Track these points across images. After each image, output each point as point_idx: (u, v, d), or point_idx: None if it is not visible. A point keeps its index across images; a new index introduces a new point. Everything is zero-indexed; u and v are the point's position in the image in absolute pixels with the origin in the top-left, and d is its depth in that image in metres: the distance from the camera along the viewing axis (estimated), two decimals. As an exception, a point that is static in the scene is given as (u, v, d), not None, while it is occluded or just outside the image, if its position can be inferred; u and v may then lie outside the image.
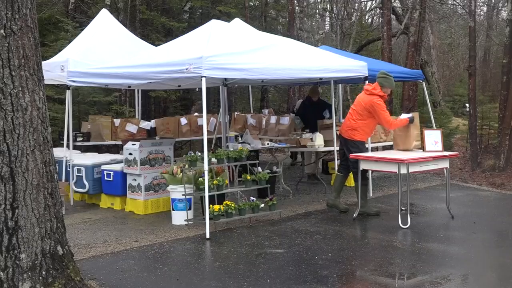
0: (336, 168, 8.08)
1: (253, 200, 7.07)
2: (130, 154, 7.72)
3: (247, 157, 7.37)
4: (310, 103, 10.40)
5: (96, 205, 8.27)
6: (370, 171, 8.11)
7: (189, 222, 6.92)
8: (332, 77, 8.31)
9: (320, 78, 8.37)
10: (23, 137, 3.99)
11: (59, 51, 9.96)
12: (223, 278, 4.98)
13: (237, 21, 8.77)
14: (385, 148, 10.33)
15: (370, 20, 25.41)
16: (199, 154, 7.13)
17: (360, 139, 7.35)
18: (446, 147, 8.96)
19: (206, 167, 6.48)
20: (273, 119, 10.82)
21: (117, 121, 10.34)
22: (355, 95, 18.49)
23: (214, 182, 6.85)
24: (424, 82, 10.95)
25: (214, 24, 7.82)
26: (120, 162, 8.08)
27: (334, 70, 8.02)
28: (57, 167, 6.34)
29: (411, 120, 7.25)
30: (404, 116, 7.47)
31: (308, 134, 9.34)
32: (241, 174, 7.47)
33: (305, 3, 22.88)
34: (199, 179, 6.88)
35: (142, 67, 7.24)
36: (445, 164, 7.21)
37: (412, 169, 6.71)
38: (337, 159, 8.70)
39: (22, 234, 3.95)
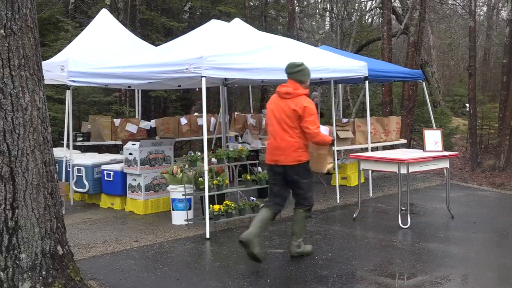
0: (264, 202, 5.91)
1: (253, 200, 7.07)
2: (130, 154, 7.73)
3: (247, 157, 7.37)
4: None
5: (96, 205, 8.27)
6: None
7: (189, 222, 6.92)
8: (332, 77, 8.31)
9: (320, 78, 8.36)
10: (23, 137, 3.99)
11: (59, 51, 9.96)
12: (223, 278, 4.98)
13: (237, 21, 8.77)
14: (385, 148, 10.33)
15: (370, 20, 25.41)
16: (199, 154, 7.13)
17: (307, 158, 5.55)
18: (446, 147, 8.96)
19: (206, 167, 6.48)
20: (273, 119, 10.79)
21: (117, 121, 10.34)
22: (355, 95, 18.58)
23: (214, 182, 6.85)
24: (424, 82, 10.96)
25: (214, 24, 7.82)
26: (120, 162, 8.08)
27: (334, 70, 8.03)
28: (57, 167, 6.35)
29: (333, 143, 5.87)
30: (323, 130, 6.15)
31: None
32: (241, 174, 7.47)
33: (305, 3, 22.88)
34: (199, 179, 6.88)
35: (142, 67, 7.24)
36: (445, 164, 7.21)
37: (412, 169, 6.71)
38: (337, 159, 8.71)
39: (22, 234, 3.95)
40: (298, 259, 5.49)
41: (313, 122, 5.41)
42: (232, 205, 6.76)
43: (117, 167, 7.97)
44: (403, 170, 6.61)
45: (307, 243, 5.85)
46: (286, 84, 5.59)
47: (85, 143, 10.01)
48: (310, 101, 5.54)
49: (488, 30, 23.76)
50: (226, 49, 7.05)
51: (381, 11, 15.19)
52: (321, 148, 5.67)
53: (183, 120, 11.20)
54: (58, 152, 7.28)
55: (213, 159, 7.21)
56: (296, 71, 5.55)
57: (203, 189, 6.55)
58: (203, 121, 6.66)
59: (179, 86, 9.87)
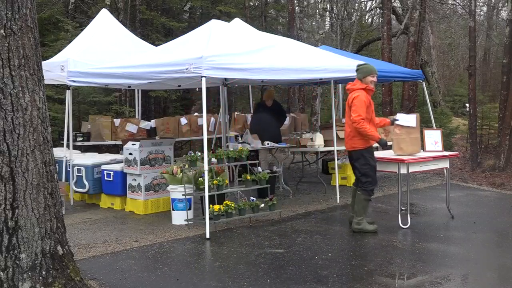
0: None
1: (253, 200, 7.07)
2: (130, 154, 7.73)
3: (247, 157, 7.37)
4: (264, 108, 9.45)
5: (96, 205, 8.27)
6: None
7: (189, 222, 6.92)
8: (332, 77, 8.31)
9: (320, 78, 8.37)
10: (23, 137, 3.99)
11: (59, 51, 9.96)
12: (223, 278, 4.98)
13: (237, 21, 8.78)
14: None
15: (370, 20, 25.43)
16: (199, 154, 7.13)
17: (363, 146, 6.44)
18: (446, 147, 8.96)
19: (206, 167, 6.48)
20: (273, 119, 10.79)
21: (117, 121, 10.34)
22: (355, 95, 18.53)
23: (214, 182, 6.85)
24: (424, 82, 10.97)
25: (214, 24, 7.82)
26: (120, 162, 8.08)
27: (334, 70, 8.03)
28: (57, 167, 6.35)
29: (382, 143, 6.50)
30: (410, 117, 6.85)
31: (308, 134, 9.34)
32: (241, 174, 7.47)
33: (305, 3, 22.88)
34: (199, 179, 6.88)
35: (142, 67, 7.25)
36: (445, 164, 7.21)
37: (412, 169, 6.71)
38: (337, 159, 8.70)
39: (22, 234, 3.95)
40: (298, 259, 5.49)
41: (355, 111, 6.28)
42: (232, 205, 6.76)
43: (117, 167, 7.97)
44: (403, 170, 6.61)
45: (307, 243, 5.85)
46: (351, 82, 6.65)
47: (85, 143, 10.01)
48: (361, 93, 6.37)
49: (488, 30, 23.76)
50: (226, 49, 7.04)
51: (381, 11, 15.20)
52: (412, 132, 6.74)
53: (183, 120, 11.20)
54: (58, 152, 7.29)
55: (213, 159, 7.21)
56: (356, 70, 6.69)
57: (203, 189, 6.55)
58: (203, 121, 6.67)
59: (179, 86, 9.88)
